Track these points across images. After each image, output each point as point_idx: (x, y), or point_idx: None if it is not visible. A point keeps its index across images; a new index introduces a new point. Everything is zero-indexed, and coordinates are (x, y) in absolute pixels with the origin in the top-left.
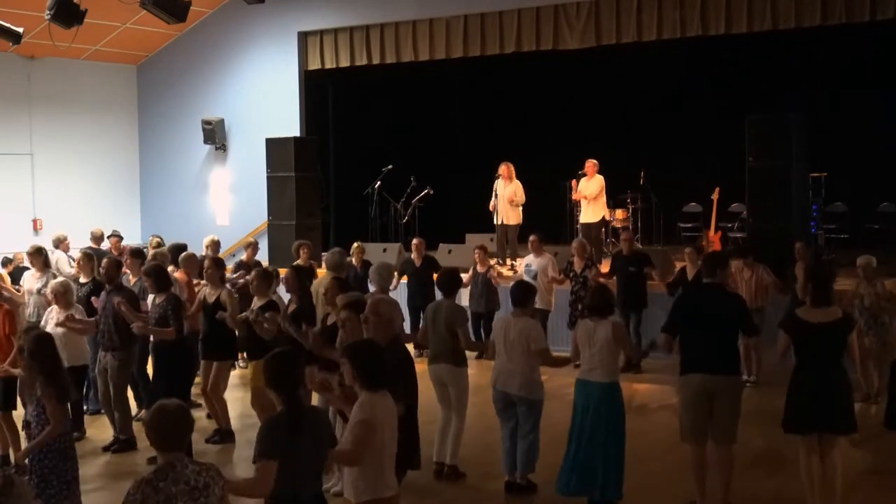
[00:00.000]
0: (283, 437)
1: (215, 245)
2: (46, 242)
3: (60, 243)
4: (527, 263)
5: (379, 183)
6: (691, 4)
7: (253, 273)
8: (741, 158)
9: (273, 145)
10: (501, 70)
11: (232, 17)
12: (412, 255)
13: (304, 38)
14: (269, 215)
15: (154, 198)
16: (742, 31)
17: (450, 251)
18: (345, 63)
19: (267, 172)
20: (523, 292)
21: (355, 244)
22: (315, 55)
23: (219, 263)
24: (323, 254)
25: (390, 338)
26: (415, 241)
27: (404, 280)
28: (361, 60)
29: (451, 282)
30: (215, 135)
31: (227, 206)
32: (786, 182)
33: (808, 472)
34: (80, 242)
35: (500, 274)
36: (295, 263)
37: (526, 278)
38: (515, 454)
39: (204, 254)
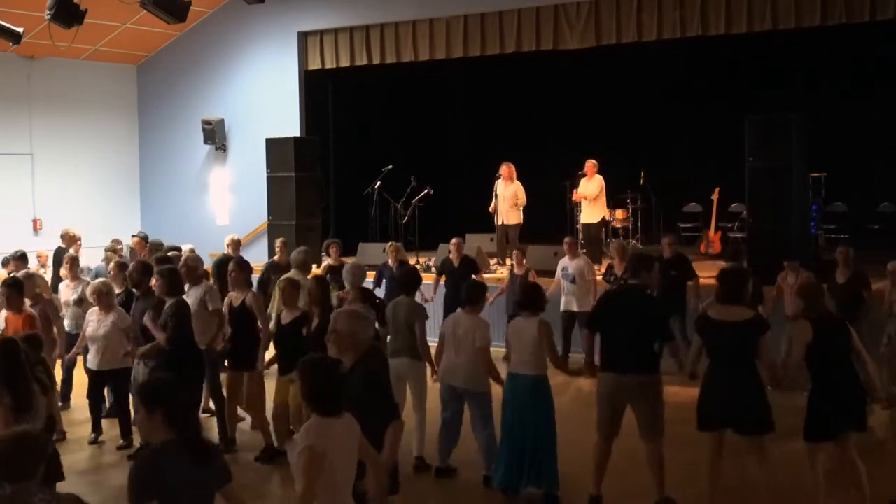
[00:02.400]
0: (166, 472)
1: (236, 244)
2: (46, 243)
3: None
4: (563, 266)
5: (379, 183)
6: (691, 4)
7: (283, 282)
8: (741, 158)
9: (273, 145)
10: (501, 70)
11: (232, 17)
12: (450, 256)
13: (304, 38)
14: (269, 215)
15: (154, 198)
16: (742, 31)
17: (450, 251)
18: (345, 63)
19: (267, 172)
20: (475, 291)
21: (390, 243)
22: (315, 55)
23: (243, 265)
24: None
25: (359, 353)
26: (453, 241)
27: (442, 280)
28: (361, 60)
29: (412, 281)
30: (215, 135)
31: (227, 206)
32: (786, 182)
33: (710, 471)
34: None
35: (534, 277)
36: (326, 263)
37: (563, 282)
38: (450, 443)
39: (226, 253)
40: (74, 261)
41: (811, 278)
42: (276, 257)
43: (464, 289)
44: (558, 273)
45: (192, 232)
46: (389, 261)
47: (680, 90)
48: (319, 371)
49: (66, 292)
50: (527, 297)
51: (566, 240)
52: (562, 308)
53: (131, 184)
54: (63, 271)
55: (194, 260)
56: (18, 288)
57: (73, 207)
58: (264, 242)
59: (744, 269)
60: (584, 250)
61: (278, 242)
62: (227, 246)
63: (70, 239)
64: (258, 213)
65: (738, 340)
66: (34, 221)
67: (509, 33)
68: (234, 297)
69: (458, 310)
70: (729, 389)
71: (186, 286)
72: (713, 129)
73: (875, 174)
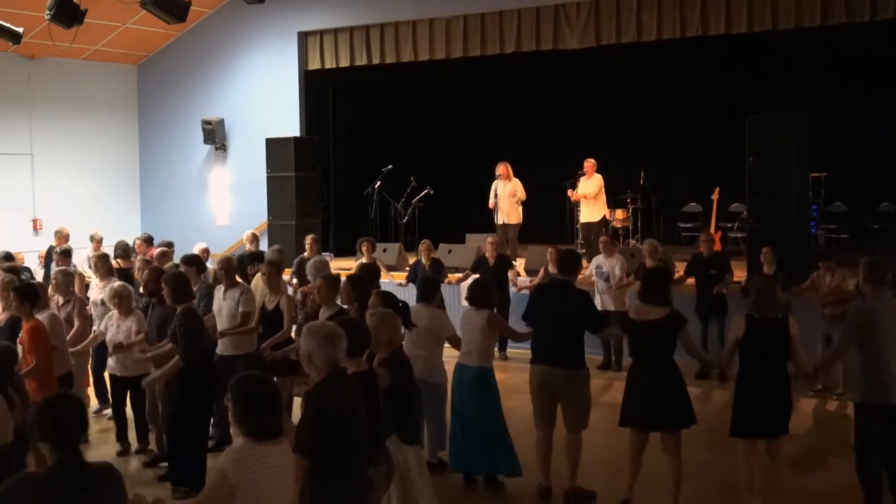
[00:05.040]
0: (34, 499)
1: (255, 238)
2: (46, 243)
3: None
4: (597, 265)
5: (379, 183)
6: (691, 4)
7: (319, 279)
8: (741, 158)
9: (273, 145)
10: (501, 70)
11: (232, 17)
12: (486, 254)
13: (304, 38)
14: (269, 215)
15: (154, 198)
16: (742, 31)
17: (450, 251)
18: (345, 63)
19: (267, 172)
20: (426, 288)
21: (423, 242)
22: (315, 55)
23: (277, 267)
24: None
25: (322, 374)
26: (489, 239)
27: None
28: (361, 60)
29: (374, 275)
30: (215, 135)
31: (227, 206)
32: (786, 182)
33: (633, 467)
34: (79, 242)
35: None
36: (359, 262)
37: (598, 280)
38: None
39: (248, 249)
40: (102, 259)
41: (846, 277)
42: (305, 254)
43: (418, 286)
44: (591, 271)
45: (193, 232)
46: (423, 259)
47: (680, 90)
48: (250, 389)
49: (96, 291)
50: (473, 294)
51: (602, 238)
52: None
53: (131, 184)
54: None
55: (234, 262)
56: (24, 294)
57: (73, 207)
58: (264, 242)
59: (666, 269)
60: (584, 251)
61: (308, 239)
62: (247, 241)
63: (61, 237)
64: (258, 213)
65: (655, 339)
66: (34, 221)
67: (509, 33)
68: (267, 299)
69: (417, 304)
70: (648, 387)
71: (222, 288)
72: (713, 129)
73: (875, 174)
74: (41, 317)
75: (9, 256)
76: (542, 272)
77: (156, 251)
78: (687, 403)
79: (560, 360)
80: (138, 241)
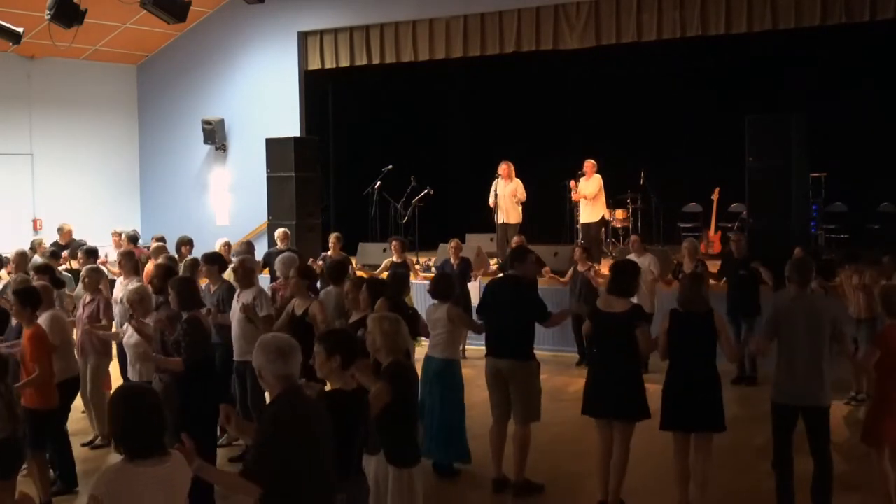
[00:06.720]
0: None
1: (286, 236)
2: (46, 243)
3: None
4: None
5: (379, 183)
6: (691, 4)
7: (350, 283)
8: (741, 158)
9: (273, 145)
10: (501, 70)
11: (232, 17)
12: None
13: (304, 38)
14: (269, 215)
15: (154, 198)
16: (742, 31)
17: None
18: (345, 63)
19: (267, 172)
20: (395, 284)
21: (452, 240)
22: (315, 55)
23: (308, 273)
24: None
25: (276, 390)
26: (515, 238)
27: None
28: (361, 60)
29: (341, 271)
30: (215, 135)
31: (227, 206)
32: (786, 182)
33: (601, 455)
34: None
35: (597, 273)
36: (388, 260)
37: None
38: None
39: (279, 248)
40: (127, 256)
41: (875, 277)
42: (329, 252)
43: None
44: None
45: (192, 232)
46: (451, 258)
47: (680, 90)
48: (128, 401)
49: (119, 289)
50: (435, 287)
51: (633, 237)
52: None
53: (131, 184)
54: (114, 269)
55: (252, 262)
56: (25, 298)
57: (73, 207)
58: (264, 242)
59: (633, 263)
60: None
61: (332, 238)
62: (279, 239)
63: (65, 235)
64: (258, 213)
65: (615, 330)
66: (34, 221)
67: (509, 33)
68: (296, 304)
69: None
70: (607, 377)
71: (238, 292)
72: (713, 129)
73: (875, 174)
74: (42, 319)
75: (56, 254)
76: (570, 272)
77: (153, 246)
78: (642, 397)
79: (506, 352)
80: (123, 239)
